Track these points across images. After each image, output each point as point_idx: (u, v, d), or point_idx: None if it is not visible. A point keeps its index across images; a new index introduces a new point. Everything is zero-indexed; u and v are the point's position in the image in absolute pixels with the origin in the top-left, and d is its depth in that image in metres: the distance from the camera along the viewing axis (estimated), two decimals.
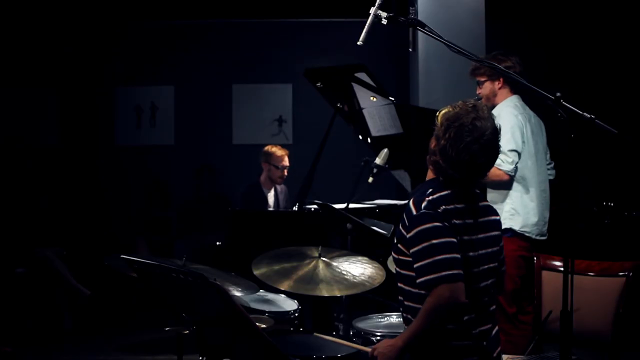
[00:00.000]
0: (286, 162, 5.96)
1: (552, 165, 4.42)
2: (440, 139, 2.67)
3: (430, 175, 2.80)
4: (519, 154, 4.09)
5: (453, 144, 2.62)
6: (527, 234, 4.16)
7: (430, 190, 2.68)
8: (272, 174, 5.96)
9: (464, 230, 2.66)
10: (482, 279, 2.69)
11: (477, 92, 4.35)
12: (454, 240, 2.60)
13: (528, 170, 4.17)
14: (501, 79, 4.23)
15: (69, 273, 6.22)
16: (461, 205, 2.68)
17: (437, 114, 2.73)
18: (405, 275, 2.71)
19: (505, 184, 4.14)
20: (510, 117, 4.17)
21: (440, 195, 2.66)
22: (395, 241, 2.74)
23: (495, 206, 4.06)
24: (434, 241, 2.57)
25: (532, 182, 4.19)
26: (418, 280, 2.60)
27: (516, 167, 4.08)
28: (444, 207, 2.64)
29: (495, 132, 2.68)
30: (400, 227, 2.70)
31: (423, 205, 2.63)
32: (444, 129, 2.66)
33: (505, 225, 4.13)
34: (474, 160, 2.63)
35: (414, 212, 2.64)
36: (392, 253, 2.78)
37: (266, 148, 6.03)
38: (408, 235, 2.64)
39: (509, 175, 4.08)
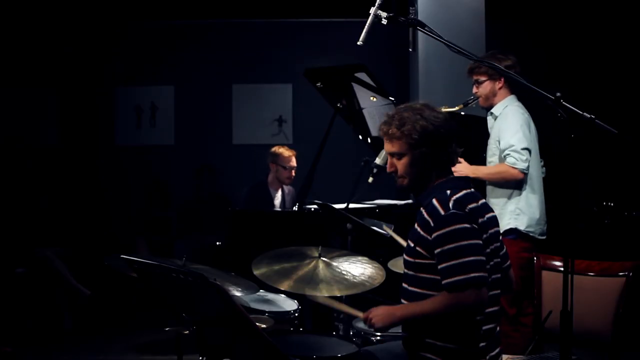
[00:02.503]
0: (294, 162, 5.94)
1: (542, 162, 4.39)
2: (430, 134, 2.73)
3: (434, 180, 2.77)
4: (530, 152, 4.08)
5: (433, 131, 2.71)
6: (531, 234, 4.14)
7: (450, 191, 2.67)
8: (279, 174, 5.95)
9: (482, 229, 2.66)
10: (491, 274, 2.67)
11: (474, 92, 4.30)
12: (480, 242, 2.61)
13: (533, 169, 4.14)
14: (502, 79, 4.18)
15: (69, 273, 6.22)
16: (479, 204, 2.70)
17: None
18: (416, 277, 2.69)
19: (515, 183, 4.11)
20: (518, 115, 4.14)
21: (464, 194, 2.67)
22: (413, 245, 2.70)
23: (498, 207, 4.11)
24: (463, 242, 2.56)
25: (536, 180, 4.18)
26: (444, 281, 2.56)
27: (529, 165, 4.07)
28: (469, 206, 2.64)
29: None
30: (420, 229, 2.67)
31: (451, 204, 2.61)
32: (423, 141, 2.71)
33: (509, 225, 4.11)
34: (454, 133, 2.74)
35: (442, 212, 2.61)
36: (405, 256, 2.74)
37: (274, 149, 6.01)
38: (434, 235, 2.60)
39: (524, 173, 4.05)
